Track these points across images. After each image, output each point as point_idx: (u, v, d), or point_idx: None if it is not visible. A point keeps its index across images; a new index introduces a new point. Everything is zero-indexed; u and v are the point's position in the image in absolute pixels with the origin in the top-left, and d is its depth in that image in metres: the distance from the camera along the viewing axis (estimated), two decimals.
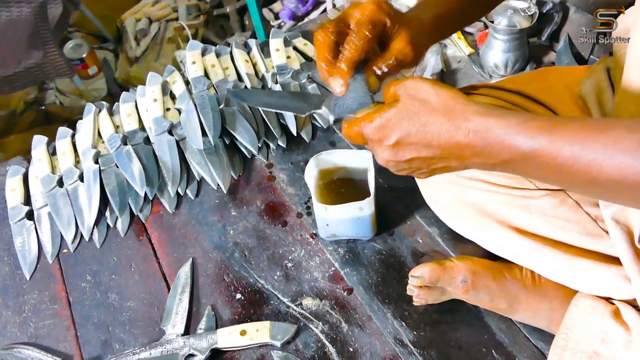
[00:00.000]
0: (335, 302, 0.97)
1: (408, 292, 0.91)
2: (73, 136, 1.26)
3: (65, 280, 1.07)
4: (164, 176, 1.17)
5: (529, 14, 1.24)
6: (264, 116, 1.24)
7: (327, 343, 0.92)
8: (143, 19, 2.34)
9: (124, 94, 1.30)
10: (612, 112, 0.75)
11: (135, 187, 1.14)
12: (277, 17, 2.32)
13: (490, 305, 0.88)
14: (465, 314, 0.92)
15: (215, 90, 1.26)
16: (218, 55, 1.35)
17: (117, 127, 1.24)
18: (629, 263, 0.68)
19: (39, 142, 1.25)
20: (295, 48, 1.39)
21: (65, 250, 1.12)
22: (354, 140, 0.60)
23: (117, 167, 1.17)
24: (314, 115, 1.22)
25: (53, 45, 1.79)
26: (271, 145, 1.24)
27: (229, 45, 1.41)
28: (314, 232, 1.08)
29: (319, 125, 1.27)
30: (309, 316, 0.96)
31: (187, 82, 1.29)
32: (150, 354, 0.92)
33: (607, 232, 0.72)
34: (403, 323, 0.93)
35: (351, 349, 0.91)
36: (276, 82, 1.28)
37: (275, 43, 1.35)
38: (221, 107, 1.22)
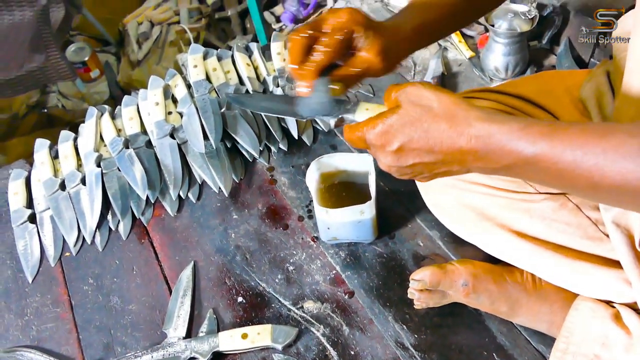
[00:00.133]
0: (337, 305, 0.97)
1: (409, 296, 0.91)
2: (75, 140, 1.26)
3: (67, 283, 1.07)
4: (166, 179, 1.17)
5: (530, 17, 1.24)
6: (266, 120, 1.24)
7: (328, 346, 0.92)
8: (145, 23, 2.35)
9: (125, 98, 1.30)
10: (613, 115, 0.75)
11: (137, 190, 1.15)
12: (278, 20, 2.33)
13: (491, 308, 0.88)
14: (466, 317, 0.92)
15: (217, 94, 1.26)
16: (219, 58, 1.35)
17: (119, 131, 1.24)
18: (630, 266, 0.68)
19: (41, 146, 1.26)
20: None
21: (67, 254, 1.12)
22: (356, 145, 0.61)
23: (119, 170, 1.17)
24: (315, 118, 1.22)
25: (55, 49, 1.79)
26: (272, 148, 1.24)
27: (230, 48, 1.42)
28: (315, 235, 1.08)
29: (320, 129, 1.27)
30: (310, 319, 0.96)
31: (188, 86, 1.29)
32: (152, 357, 0.92)
33: (607, 236, 0.72)
34: (404, 326, 0.93)
35: (352, 352, 0.91)
36: (277, 86, 1.29)
37: (277, 46, 1.36)
38: (223, 110, 1.22)
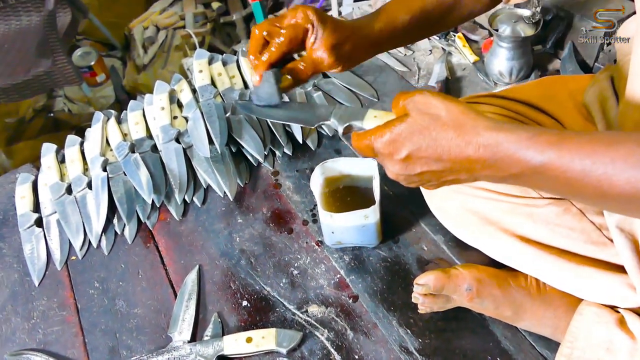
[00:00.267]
0: (341, 309, 0.98)
1: (413, 300, 0.91)
2: (82, 144, 1.27)
3: (73, 287, 1.08)
4: (171, 184, 1.18)
5: (533, 22, 1.24)
6: (270, 124, 1.25)
7: (332, 350, 0.92)
8: (151, 27, 2.36)
9: (131, 103, 1.31)
10: (616, 120, 0.76)
11: (143, 194, 1.15)
12: None
13: (495, 313, 0.88)
14: (471, 321, 0.93)
15: (222, 99, 1.27)
16: (225, 63, 1.36)
17: (125, 135, 1.25)
18: (634, 271, 0.68)
19: (48, 150, 1.27)
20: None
21: (73, 257, 1.13)
22: (364, 153, 0.61)
23: (125, 174, 1.18)
24: (321, 125, 1.23)
25: (62, 53, 1.81)
26: (277, 152, 1.25)
27: (235, 53, 1.42)
28: (319, 239, 1.08)
29: (325, 133, 1.28)
30: (315, 323, 0.96)
31: (194, 91, 1.30)
32: None
33: (611, 241, 0.72)
34: (408, 331, 0.93)
35: (357, 357, 0.91)
36: None
37: None
38: (228, 115, 1.23)
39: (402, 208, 1.11)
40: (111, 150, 1.24)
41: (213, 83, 1.30)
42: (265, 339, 0.92)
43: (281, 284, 1.03)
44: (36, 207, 1.21)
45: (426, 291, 0.88)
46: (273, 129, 1.25)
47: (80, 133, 1.31)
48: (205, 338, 0.95)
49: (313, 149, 1.25)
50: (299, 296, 1.00)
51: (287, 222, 1.13)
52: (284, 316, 0.98)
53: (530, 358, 0.88)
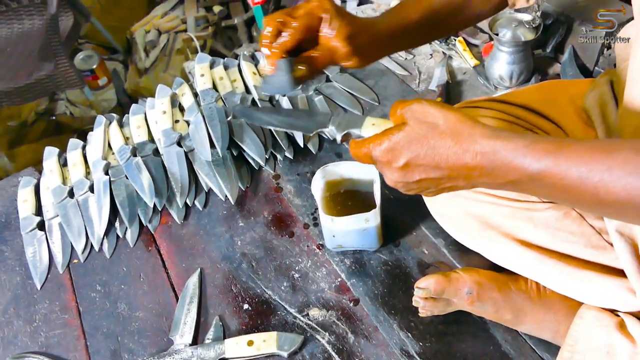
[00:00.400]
0: (342, 312, 0.98)
1: (414, 304, 0.91)
2: (84, 148, 1.28)
3: (75, 290, 1.08)
4: (173, 187, 1.19)
5: (534, 26, 1.25)
6: (271, 128, 1.25)
7: (333, 354, 0.93)
8: (152, 31, 2.37)
9: (133, 106, 1.32)
10: (616, 125, 0.76)
11: (145, 198, 1.16)
12: None
13: (496, 316, 0.88)
14: (471, 325, 0.93)
15: (224, 103, 1.28)
16: (226, 67, 1.36)
17: (127, 139, 1.26)
18: (634, 275, 0.69)
19: (50, 154, 1.27)
20: None
21: (75, 261, 1.13)
22: (362, 161, 0.61)
23: (127, 178, 1.19)
24: (321, 132, 1.24)
25: (64, 57, 1.81)
26: (278, 156, 1.25)
27: (237, 56, 1.43)
28: (320, 243, 1.09)
29: (326, 137, 1.28)
30: (316, 327, 0.96)
31: (195, 95, 1.30)
32: None
33: (611, 245, 0.73)
34: (409, 334, 0.93)
35: None
36: (283, 95, 1.30)
37: None
38: (229, 119, 1.23)
39: (403, 212, 1.11)
40: (113, 153, 1.24)
41: (214, 87, 1.31)
42: (266, 342, 0.93)
43: (282, 288, 1.03)
44: (38, 211, 1.21)
45: (427, 295, 0.88)
46: (274, 133, 1.25)
47: (82, 136, 1.32)
48: (207, 341, 0.95)
49: (314, 152, 1.26)
50: (300, 299, 1.01)
51: (288, 226, 1.13)
52: (285, 319, 0.98)
53: None
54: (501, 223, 0.82)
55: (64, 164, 1.27)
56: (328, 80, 1.39)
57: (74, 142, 1.29)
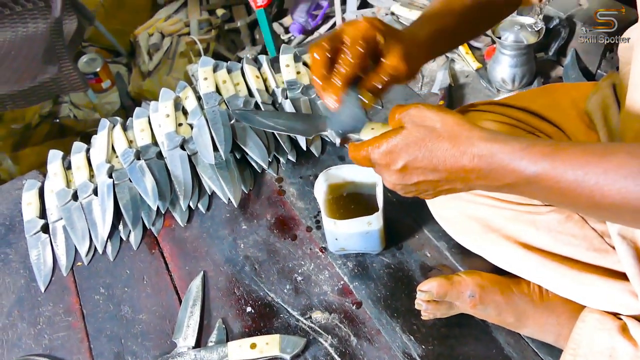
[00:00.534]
0: (344, 315, 0.98)
1: (416, 307, 0.91)
2: (88, 151, 1.28)
3: (79, 292, 1.09)
4: (176, 190, 1.19)
5: (536, 29, 1.25)
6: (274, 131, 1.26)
7: (336, 357, 0.93)
8: (156, 34, 2.38)
9: (137, 110, 1.32)
10: (618, 128, 0.76)
11: (148, 201, 1.16)
12: (287, 31, 2.35)
13: (498, 319, 0.88)
14: (474, 328, 0.93)
15: (227, 106, 1.28)
16: (229, 71, 1.37)
17: (130, 142, 1.26)
18: (636, 278, 0.69)
19: (54, 157, 1.28)
20: (305, 64, 1.42)
21: (79, 263, 1.14)
22: (361, 164, 0.62)
23: (131, 181, 1.19)
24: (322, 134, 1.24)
25: (68, 60, 1.82)
26: (281, 159, 1.26)
27: (240, 59, 1.44)
28: (323, 246, 1.09)
29: (329, 140, 1.27)
30: (318, 330, 0.97)
31: (199, 98, 1.31)
32: None
33: (613, 248, 0.73)
34: (411, 337, 0.94)
35: None
36: (286, 97, 1.30)
37: (286, 59, 1.37)
38: (232, 122, 1.24)
39: (406, 215, 1.11)
40: (117, 157, 1.25)
41: (218, 90, 1.31)
42: (269, 345, 0.93)
43: (285, 290, 1.03)
44: (42, 214, 1.22)
45: (429, 298, 0.88)
46: (277, 136, 1.26)
47: (86, 139, 1.33)
48: (210, 344, 0.96)
49: (317, 155, 1.26)
50: (302, 302, 1.01)
51: (291, 229, 1.14)
52: (287, 322, 0.98)
53: None
54: (503, 226, 0.82)
55: (68, 167, 1.27)
56: None
57: (78, 146, 1.29)
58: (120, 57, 2.47)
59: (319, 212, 1.14)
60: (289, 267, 1.07)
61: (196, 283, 1.05)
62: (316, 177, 1.02)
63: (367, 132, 0.64)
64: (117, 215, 1.17)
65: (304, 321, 0.98)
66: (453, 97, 1.35)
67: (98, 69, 2.23)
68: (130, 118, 1.32)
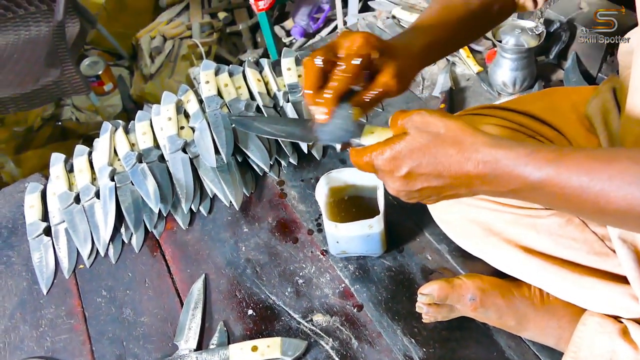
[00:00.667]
0: (346, 318, 0.98)
1: (417, 310, 0.91)
2: (90, 154, 1.29)
3: (81, 295, 1.09)
4: (178, 193, 1.20)
5: (537, 33, 1.25)
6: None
7: (337, 359, 0.93)
8: (158, 37, 2.39)
9: (139, 113, 1.33)
10: (618, 132, 0.76)
11: (150, 204, 1.17)
12: (288, 34, 2.36)
13: (499, 322, 0.88)
14: (475, 331, 0.93)
15: (228, 109, 1.29)
16: (231, 74, 1.37)
17: (132, 145, 1.27)
18: (636, 282, 0.69)
19: (56, 160, 1.29)
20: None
21: (81, 266, 1.14)
22: (363, 169, 0.62)
23: (133, 184, 1.20)
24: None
25: (70, 63, 1.83)
26: (282, 162, 1.26)
27: (241, 62, 1.44)
28: (324, 249, 1.09)
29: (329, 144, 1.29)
30: (320, 332, 0.97)
31: (200, 101, 1.31)
32: None
33: (614, 251, 0.73)
34: (413, 340, 0.94)
35: None
36: (287, 101, 1.31)
37: (287, 62, 1.38)
38: (234, 125, 1.24)
39: (407, 218, 1.11)
40: (119, 160, 1.25)
41: (219, 94, 1.32)
42: (270, 347, 0.93)
43: (286, 293, 1.03)
44: (45, 216, 1.22)
45: (430, 301, 0.89)
46: (278, 140, 1.26)
47: (88, 142, 1.33)
48: (211, 347, 0.96)
49: (318, 158, 1.27)
50: (304, 305, 1.01)
51: (293, 232, 1.14)
52: (289, 325, 0.99)
53: None
54: (504, 229, 0.82)
55: (70, 170, 1.28)
56: None
57: (80, 149, 1.30)
58: (122, 60, 2.48)
59: (320, 215, 1.15)
60: (290, 270, 1.07)
61: (198, 286, 1.06)
62: (317, 180, 1.02)
63: (367, 136, 0.64)
64: (119, 218, 1.17)
65: (305, 324, 0.98)
66: (454, 101, 1.36)
67: (100, 72, 2.24)
68: (132, 121, 1.33)
